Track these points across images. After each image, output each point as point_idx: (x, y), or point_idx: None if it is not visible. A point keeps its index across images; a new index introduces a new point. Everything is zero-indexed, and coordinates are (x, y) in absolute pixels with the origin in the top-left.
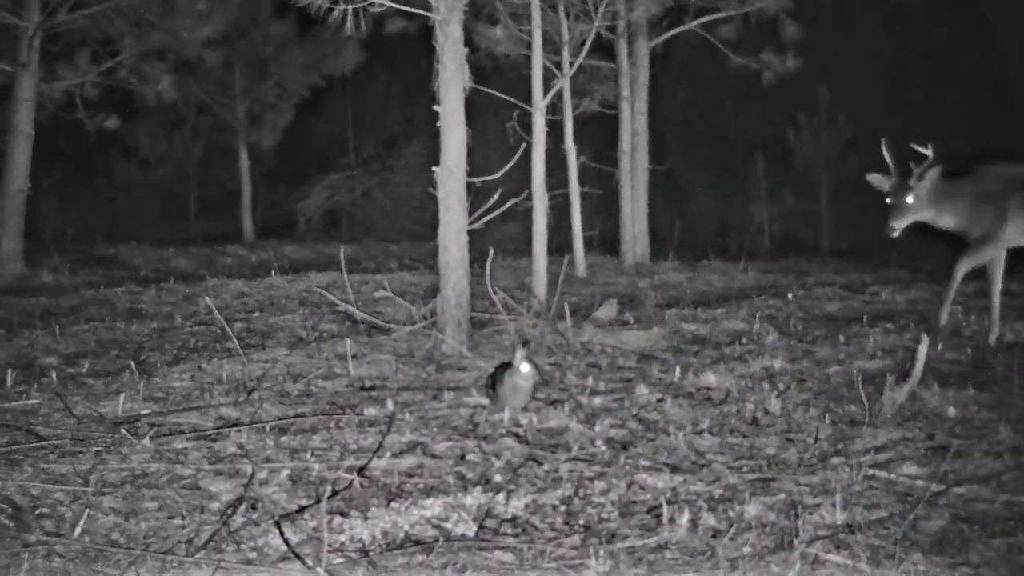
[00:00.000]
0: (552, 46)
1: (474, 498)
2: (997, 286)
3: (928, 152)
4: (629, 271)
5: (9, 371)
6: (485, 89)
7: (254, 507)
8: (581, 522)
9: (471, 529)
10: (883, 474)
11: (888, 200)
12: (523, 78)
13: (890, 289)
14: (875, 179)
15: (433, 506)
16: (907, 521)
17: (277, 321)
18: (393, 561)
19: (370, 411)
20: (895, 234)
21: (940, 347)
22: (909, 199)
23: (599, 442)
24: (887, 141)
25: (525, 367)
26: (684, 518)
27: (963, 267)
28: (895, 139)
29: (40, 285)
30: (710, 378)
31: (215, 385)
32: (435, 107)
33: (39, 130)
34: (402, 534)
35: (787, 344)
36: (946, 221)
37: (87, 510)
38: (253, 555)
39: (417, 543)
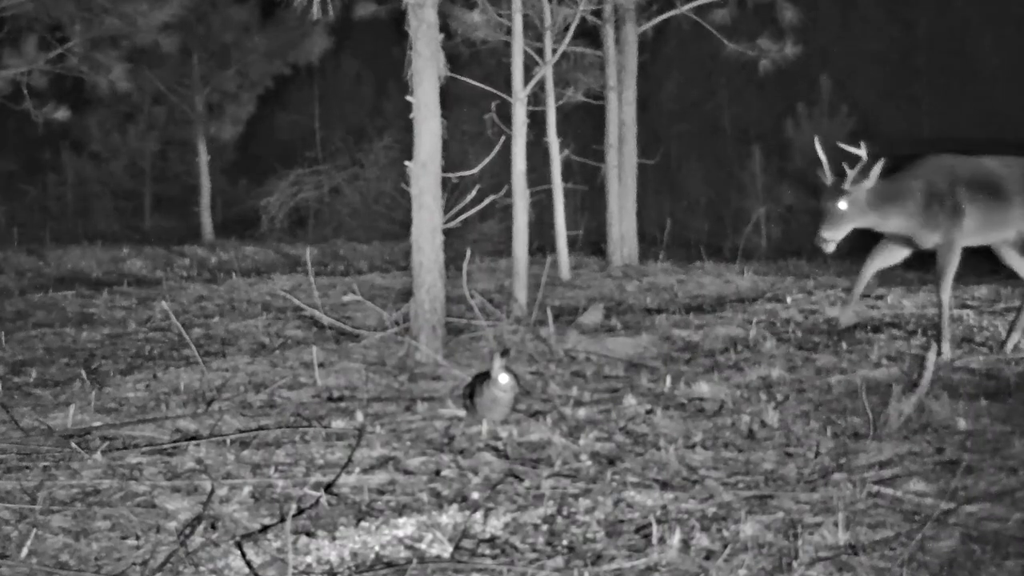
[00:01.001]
0: (534, 31)
1: (450, 517)
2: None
3: (861, 152)
4: (616, 273)
5: None
6: (462, 78)
7: (214, 526)
8: (564, 542)
9: (447, 550)
10: (889, 491)
11: (821, 206)
12: (502, 66)
13: (896, 293)
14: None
15: (406, 525)
16: (914, 541)
17: (238, 327)
18: None
19: (338, 423)
20: (828, 247)
21: (950, 354)
22: (843, 205)
23: (584, 457)
24: (821, 139)
25: (504, 378)
26: (675, 538)
27: (945, 290)
28: (902, 132)
29: None
30: (703, 388)
31: (172, 395)
32: (408, 97)
33: None
34: (373, 555)
35: (786, 352)
36: (893, 225)
37: (35, 529)
38: None
39: (389, 565)
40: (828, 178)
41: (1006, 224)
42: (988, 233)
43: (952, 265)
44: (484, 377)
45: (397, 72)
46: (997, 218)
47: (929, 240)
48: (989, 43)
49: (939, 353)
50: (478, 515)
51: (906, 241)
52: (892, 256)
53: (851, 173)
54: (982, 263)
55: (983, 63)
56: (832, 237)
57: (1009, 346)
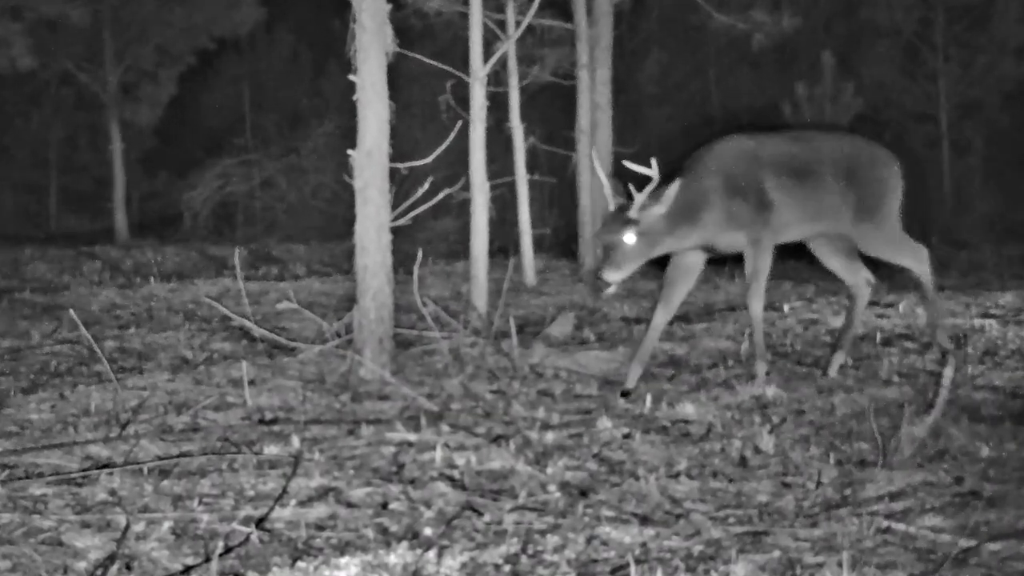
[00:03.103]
0: (495, 2)
1: (399, 556)
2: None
3: (652, 172)
4: (589, 278)
5: None
6: (412, 54)
7: (129, 567)
8: None
9: None
10: (900, 527)
11: (600, 240)
12: (459, 40)
13: (909, 300)
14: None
15: (349, 566)
16: None
17: (157, 339)
18: None
19: (271, 449)
20: (610, 290)
21: (970, 370)
22: (629, 239)
23: (552, 487)
24: (596, 151)
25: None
26: None
27: (758, 299)
28: (914, 117)
29: None
30: (688, 409)
31: (81, 417)
32: (351, 76)
33: None
34: None
35: (783, 367)
36: (691, 241)
37: None
38: None
39: None
40: (612, 202)
41: (820, 215)
42: (802, 226)
43: (765, 269)
44: None
45: (339, 48)
46: (811, 208)
47: (733, 241)
48: (1015, 13)
49: (754, 377)
50: (431, 554)
51: (703, 248)
52: (693, 273)
53: (639, 197)
54: (1010, 266)
55: (1009, 35)
56: (616, 278)
57: (832, 370)
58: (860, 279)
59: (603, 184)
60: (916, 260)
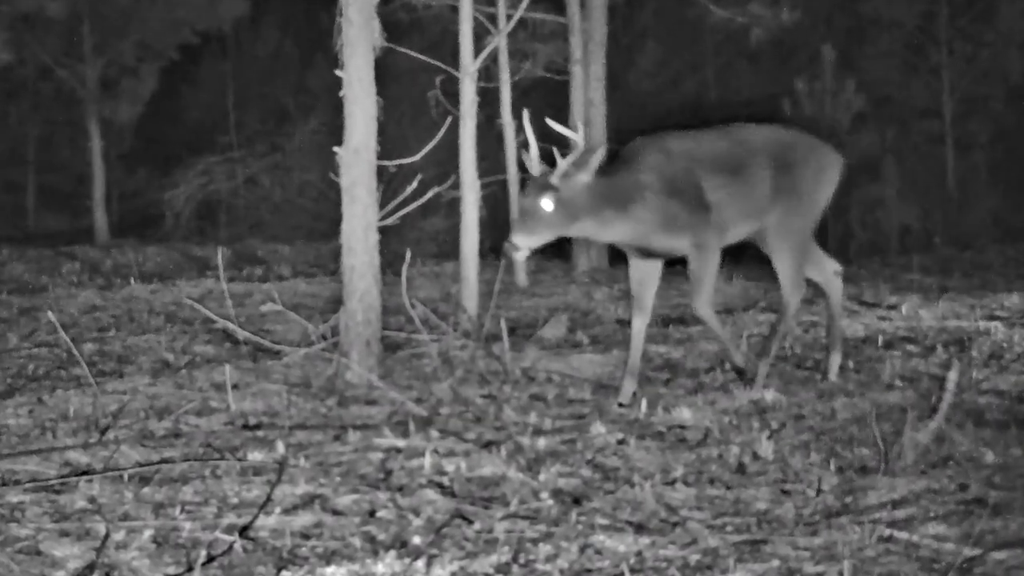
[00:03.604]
0: None
1: (387, 565)
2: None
3: (577, 136)
4: (582, 279)
5: None
6: (401, 49)
7: None
8: None
9: None
10: (903, 535)
11: (519, 204)
12: (449, 35)
13: (912, 302)
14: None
15: (335, 575)
16: None
17: (138, 342)
18: None
19: (255, 455)
20: (519, 255)
21: (975, 374)
22: (547, 204)
23: (544, 495)
24: (530, 113)
25: None
26: None
27: (706, 304)
28: (917, 113)
29: None
30: (684, 414)
31: (60, 423)
32: (338, 72)
33: None
34: None
35: (782, 371)
36: (617, 232)
37: None
38: None
39: None
40: (534, 166)
41: (758, 211)
42: (745, 224)
43: (711, 272)
44: None
45: (325, 42)
46: (749, 205)
47: (672, 245)
48: (1022, 5)
49: (746, 383)
50: (420, 563)
51: (641, 251)
52: (655, 273)
53: (563, 163)
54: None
55: (1015, 28)
56: (527, 244)
57: (832, 374)
58: (828, 271)
59: (531, 147)
60: (797, 278)
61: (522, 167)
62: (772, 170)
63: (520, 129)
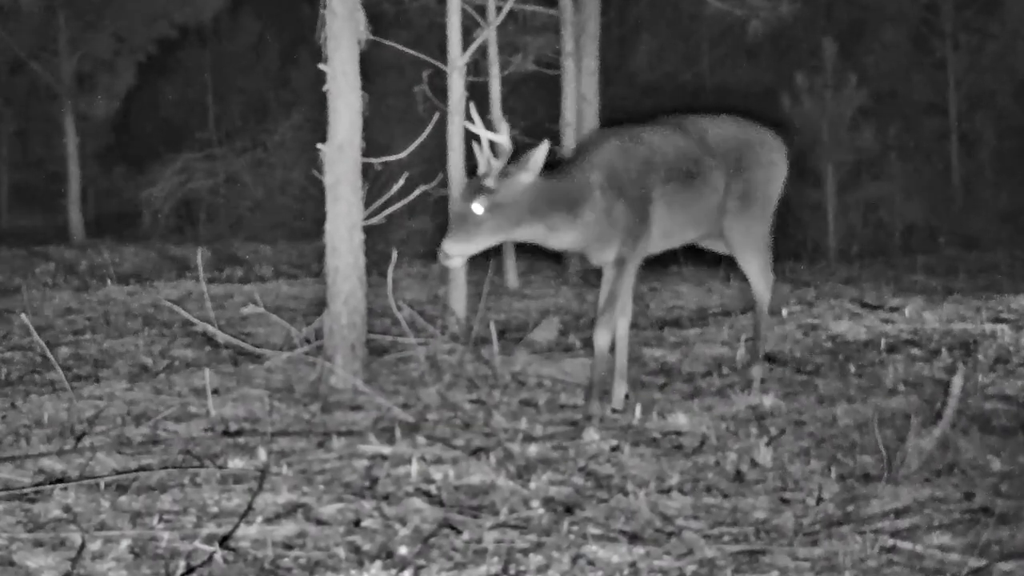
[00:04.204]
0: None
1: None
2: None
3: (500, 137)
4: (574, 280)
5: None
6: (387, 42)
7: None
8: None
9: None
10: (906, 545)
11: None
12: (436, 27)
13: (916, 304)
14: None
15: None
16: None
17: (115, 345)
18: None
19: (236, 463)
20: (452, 263)
21: (980, 378)
22: (479, 208)
23: (535, 503)
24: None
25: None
26: None
27: (609, 325)
28: (921, 108)
29: None
30: (680, 419)
31: (34, 429)
32: (321, 66)
33: None
34: None
35: (781, 375)
36: (566, 238)
37: None
38: None
39: None
40: (483, 164)
41: (703, 219)
42: (682, 234)
43: (628, 287)
44: None
45: (308, 35)
46: (694, 214)
47: (603, 253)
48: None
49: (589, 418)
50: (406, 574)
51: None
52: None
53: (495, 164)
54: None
55: (1023, 20)
56: (460, 251)
57: (755, 386)
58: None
59: (482, 143)
60: (766, 273)
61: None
62: (727, 175)
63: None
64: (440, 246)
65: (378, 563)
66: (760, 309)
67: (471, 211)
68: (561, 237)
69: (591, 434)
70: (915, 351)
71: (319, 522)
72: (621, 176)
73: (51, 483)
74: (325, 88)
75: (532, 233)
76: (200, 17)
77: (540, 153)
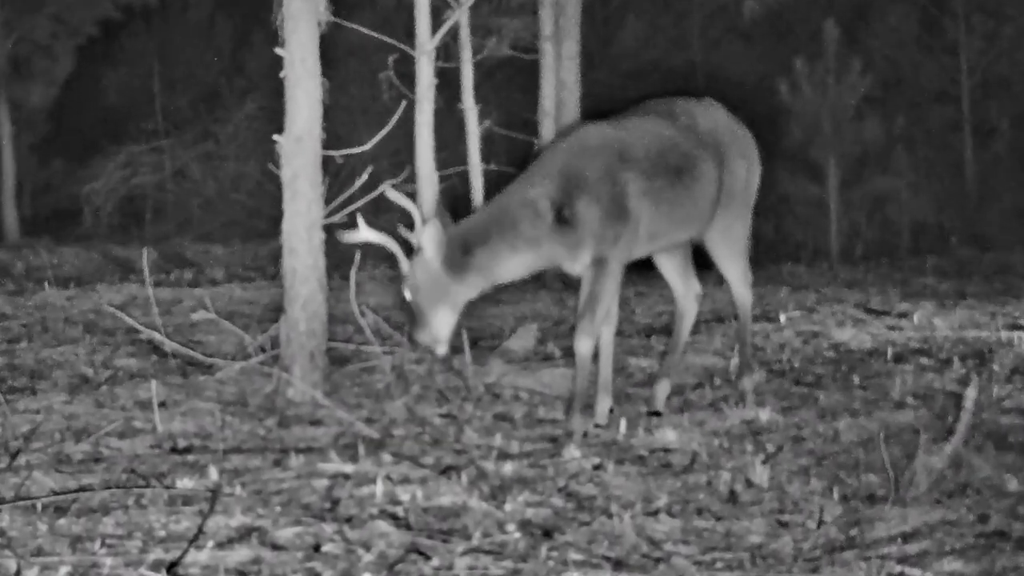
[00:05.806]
0: None
1: None
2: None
3: (408, 203)
4: (554, 284)
5: None
6: (350, 25)
7: None
8: None
9: None
10: (915, 572)
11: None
12: (403, 8)
13: (925, 310)
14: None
15: None
16: None
17: (52, 354)
18: None
19: (185, 482)
20: (439, 349)
21: (996, 391)
22: (409, 296)
23: (511, 527)
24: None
25: None
26: None
27: (590, 333)
28: (931, 97)
29: None
30: (669, 435)
31: None
32: (278, 50)
33: None
34: None
35: (779, 387)
36: (526, 266)
37: None
38: None
39: None
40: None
41: (690, 219)
42: (668, 237)
43: (608, 297)
44: None
45: (263, 17)
46: (681, 214)
47: (576, 263)
48: None
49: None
50: None
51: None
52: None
53: (414, 239)
54: None
55: None
56: (431, 339)
57: (659, 404)
58: (691, 292)
59: (414, 218)
60: (747, 276)
61: (486, 158)
62: (717, 167)
63: (484, 115)
64: (412, 336)
65: None
66: (744, 315)
67: (407, 300)
68: (521, 264)
69: (572, 451)
70: (925, 361)
71: (275, 547)
72: (582, 177)
73: None
74: (282, 74)
75: (487, 282)
76: None
77: (427, 235)
